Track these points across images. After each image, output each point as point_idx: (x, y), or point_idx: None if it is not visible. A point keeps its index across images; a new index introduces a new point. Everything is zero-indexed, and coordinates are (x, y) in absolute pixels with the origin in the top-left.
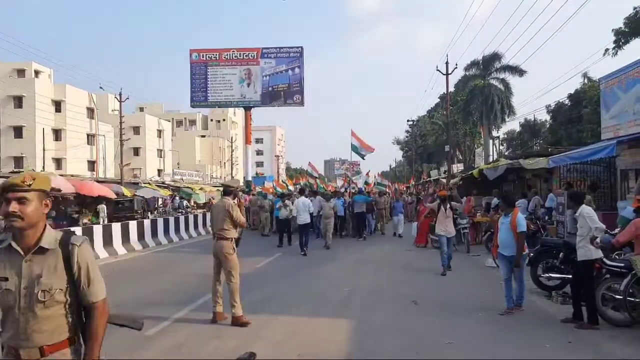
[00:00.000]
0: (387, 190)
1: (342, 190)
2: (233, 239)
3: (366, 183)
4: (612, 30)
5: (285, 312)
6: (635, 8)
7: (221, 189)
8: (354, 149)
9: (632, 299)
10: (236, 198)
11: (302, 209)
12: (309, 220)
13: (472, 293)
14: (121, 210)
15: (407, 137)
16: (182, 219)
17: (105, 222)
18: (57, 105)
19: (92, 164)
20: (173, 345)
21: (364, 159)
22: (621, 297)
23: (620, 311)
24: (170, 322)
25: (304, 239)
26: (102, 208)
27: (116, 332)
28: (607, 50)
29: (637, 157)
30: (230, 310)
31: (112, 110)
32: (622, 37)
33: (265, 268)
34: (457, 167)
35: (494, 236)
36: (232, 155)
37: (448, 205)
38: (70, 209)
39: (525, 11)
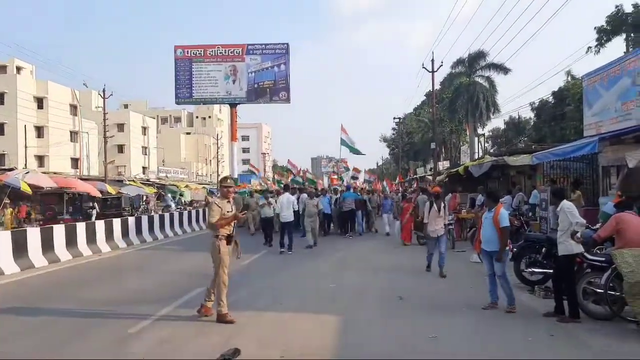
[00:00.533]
0: (375, 187)
1: (328, 187)
2: (220, 237)
3: (353, 178)
4: (595, 28)
5: (271, 309)
6: (617, 6)
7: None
8: (344, 143)
9: (613, 293)
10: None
11: (286, 205)
12: (292, 218)
13: (457, 288)
14: (109, 207)
15: (393, 134)
16: (167, 216)
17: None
18: (40, 102)
19: (75, 162)
20: (156, 342)
21: (361, 154)
22: (602, 290)
23: (601, 305)
24: (154, 319)
25: (285, 237)
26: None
27: (98, 329)
28: (589, 48)
29: (618, 153)
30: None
31: (96, 107)
32: (604, 35)
33: (251, 265)
34: (443, 165)
35: (478, 232)
36: (217, 152)
37: (442, 204)
38: (86, 204)
39: (510, 8)
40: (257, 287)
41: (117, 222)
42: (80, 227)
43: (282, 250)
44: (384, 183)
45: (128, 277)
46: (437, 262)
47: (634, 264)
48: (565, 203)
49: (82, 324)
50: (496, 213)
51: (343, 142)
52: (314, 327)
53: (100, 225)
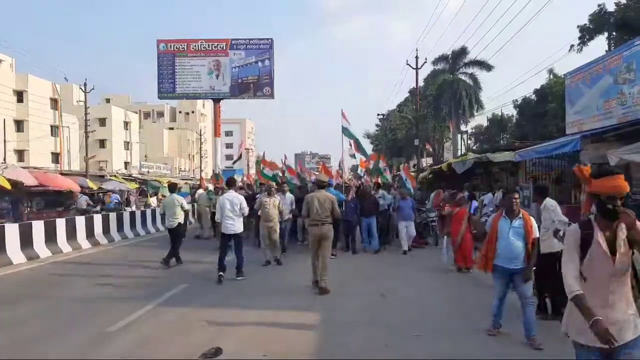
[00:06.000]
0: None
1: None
2: None
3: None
4: (578, 27)
5: (254, 306)
6: (599, 5)
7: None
8: (345, 132)
9: None
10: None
11: (229, 209)
12: (240, 229)
13: (439, 286)
14: (96, 202)
15: (377, 130)
16: (149, 211)
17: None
18: (19, 96)
19: (56, 156)
20: (136, 341)
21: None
22: None
23: None
24: (135, 317)
25: (229, 255)
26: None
27: (77, 327)
28: (572, 46)
29: (600, 151)
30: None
31: (77, 101)
32: (586, 34)
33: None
34: (427, 161)
35: (486, 244)
36: (200, 148)
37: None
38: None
39: (495, 5)
40: (239, 285)
41: (97, 219)
42: (60, 222)
43: (221, 274)
44: (402, 173)
45: (108, 273)
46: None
47: None
48: (548, 201)
49: (58, 323)
50: (528, 222)
51: (345, 132)
52: (297, 324)
53: (80, 221)
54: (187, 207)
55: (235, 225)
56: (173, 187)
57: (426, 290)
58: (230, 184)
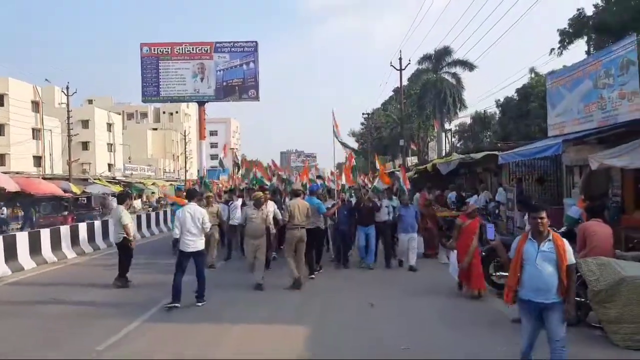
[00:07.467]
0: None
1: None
2: None
3: (319, 177)
4: (558, 30)
5: (244, 319)
6: (579, 10)
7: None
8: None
9: (578, 299)
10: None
11: (191, 224)
12: (201, 247)
13: (428, 293)
14: (81, 207)
15: (362, 129)
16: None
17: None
18: (0, 99)
19: (38, 160)
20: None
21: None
22: None
23: None
24: (123, 334)
25: (181, 278)
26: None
27: (62, 346)
28: (552, 49)
29: (580, 154)
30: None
31: (59, 104)
32: (566, 38)
33: (221, 271)
34: (412, 160)
35: (514, 274)
36: (185, 148)
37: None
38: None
39: (480, 6)
40: (228, 296)
41: (82, 227)
42: (45, 233)
43: (176, 305)
44: (399, 175)
45: (94, 286)
46: None
47: (598, 272)
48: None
49: (44, 340)
50: (560, 244)
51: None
52: (288, 336)
53: (65, 230)
54: (128, 220)
55: (196, 242)
56: (121, 198)
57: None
58: (192, 196)
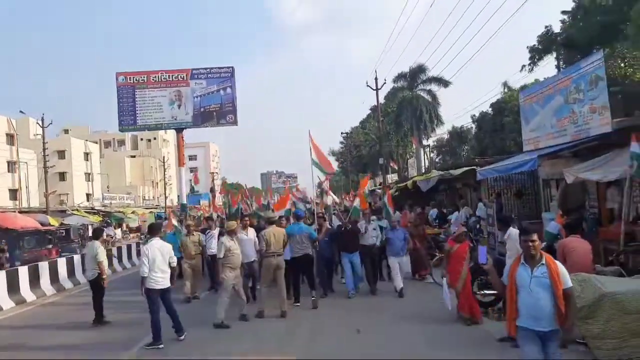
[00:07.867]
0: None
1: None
2: None
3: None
4: (527, 47)
5: (227, 352)
6: (547, 27)
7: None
8: (315, 164)
9: None
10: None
11: (161, 260)
12: (168, 283)
13: (414, 317)
14: (60, 240)
15: (342, 148)
16: (114, 250)
17: None
18: None
19: (14, 193)
20: None
21: (327, 172)
22: None
23: None
24: None
25: (158, 316)
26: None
27: None
28: (523, 66)
29: (555, 167)
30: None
31: (35, 135)
32: (536, 54)
33: (204, 301)
34: (392, 178)
35: (510, 303)
36: (164, 174)
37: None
38: None
39: (454, 24)
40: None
41: (62, 262)
42: (23, 270)
43: (156, 347)
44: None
45: (74, 328)
46: None
47: (579, 289)
48: (512, 230)
49: None
50: (553, 268)
51: (315, 164)
52: None
53: (43, 266)
54: (102, 257)
55: (166, 279)
56: (96, 234)
57: None
58: (155, 230)
